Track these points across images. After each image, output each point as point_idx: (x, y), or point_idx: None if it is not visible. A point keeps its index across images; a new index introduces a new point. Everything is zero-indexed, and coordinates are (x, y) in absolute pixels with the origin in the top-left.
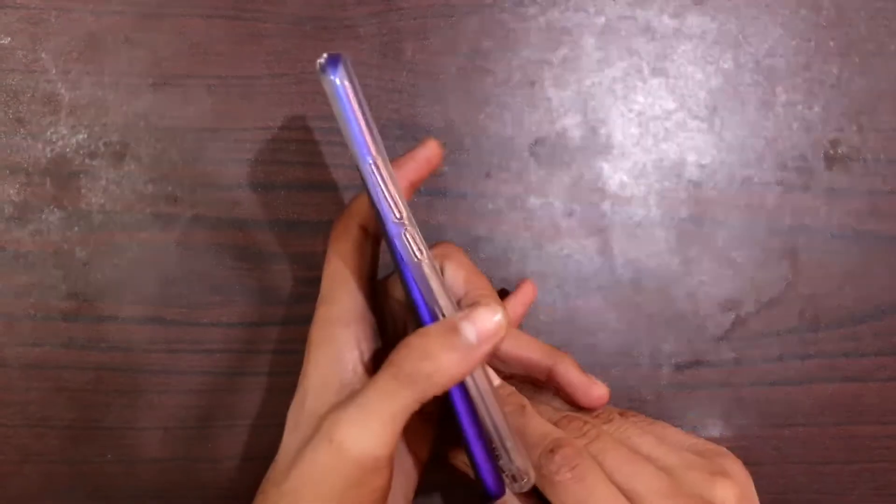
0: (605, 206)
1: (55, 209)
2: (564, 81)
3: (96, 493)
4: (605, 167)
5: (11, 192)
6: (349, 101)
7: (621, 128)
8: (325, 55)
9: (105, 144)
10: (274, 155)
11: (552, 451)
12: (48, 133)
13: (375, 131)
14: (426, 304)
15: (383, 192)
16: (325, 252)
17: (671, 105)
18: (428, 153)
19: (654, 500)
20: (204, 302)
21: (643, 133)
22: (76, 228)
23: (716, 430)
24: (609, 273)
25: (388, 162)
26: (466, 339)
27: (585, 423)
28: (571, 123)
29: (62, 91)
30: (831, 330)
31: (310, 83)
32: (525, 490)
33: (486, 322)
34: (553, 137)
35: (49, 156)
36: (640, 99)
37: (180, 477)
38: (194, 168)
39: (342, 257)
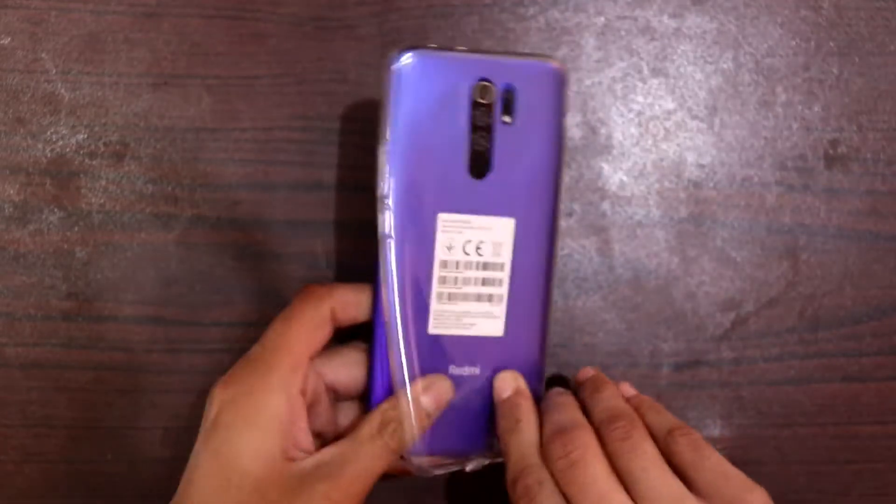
0: (605, 206)
1: (55, 209)
2: None
3: (96, 493)
4: (605, 167)
5: (11, 192)
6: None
7: (621, 128)
8: None
9: (105, 144)
10: (274, 155)
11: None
12: (48, 133)
13: None
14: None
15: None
16: (324, 252)
17: (671, 105)
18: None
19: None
20: (204, 302)
21: (643, 133)
22: (76, 228)
23: (716, 430)
24: (609, 273)
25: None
26: (428, 410)
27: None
28: (571, 123)
29: (62, 91)
30: (831, 330)
31: (310, 83)
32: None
33: (440, 392)
34: None
35: (49, 156)
36: (640, 99)
37: (181, 477)
38: (194, 168)
39: (301, 330)
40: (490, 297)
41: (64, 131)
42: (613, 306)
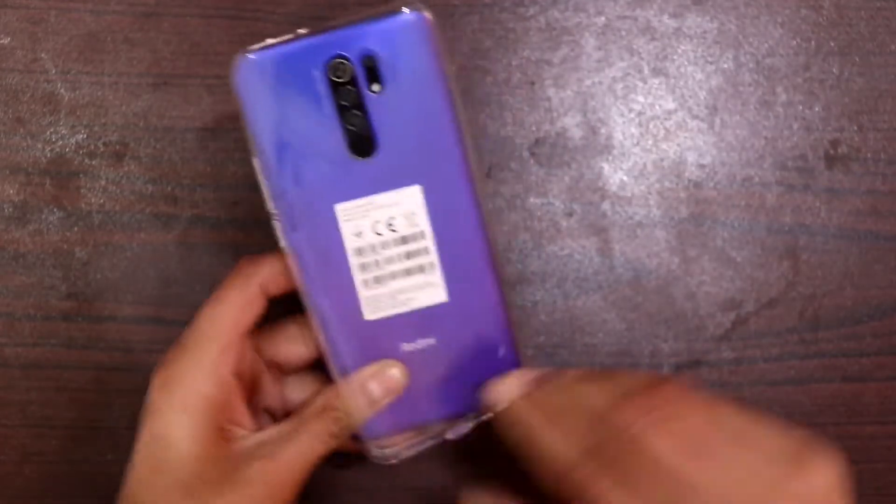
0: (605, 206)
1: (55, 209)
2: (564, 81)
3: (96, 493)
4: (605, 167)
5: (11, 192)
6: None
7: (621, 128)
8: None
9: (105, 144)
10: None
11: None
12: (48, 133)
13: None
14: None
15: None
16: None
17: (671, 105)
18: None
19: None
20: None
21: (643, 133)
22: (76, 228)
23: None
24: (609, 273)
25: None
26: (374, 397)
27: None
28: (571, 123)
29: (62, 91)
30: (831, 330)
31: None
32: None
33: (389, 379)
34: (553, 137)
35: (49, 156)
36: (640, 99)
37: None
38: (194, 168)
39: (231, 310)
40: (421, 268)
41: (63, 131)
42: (613, 306)
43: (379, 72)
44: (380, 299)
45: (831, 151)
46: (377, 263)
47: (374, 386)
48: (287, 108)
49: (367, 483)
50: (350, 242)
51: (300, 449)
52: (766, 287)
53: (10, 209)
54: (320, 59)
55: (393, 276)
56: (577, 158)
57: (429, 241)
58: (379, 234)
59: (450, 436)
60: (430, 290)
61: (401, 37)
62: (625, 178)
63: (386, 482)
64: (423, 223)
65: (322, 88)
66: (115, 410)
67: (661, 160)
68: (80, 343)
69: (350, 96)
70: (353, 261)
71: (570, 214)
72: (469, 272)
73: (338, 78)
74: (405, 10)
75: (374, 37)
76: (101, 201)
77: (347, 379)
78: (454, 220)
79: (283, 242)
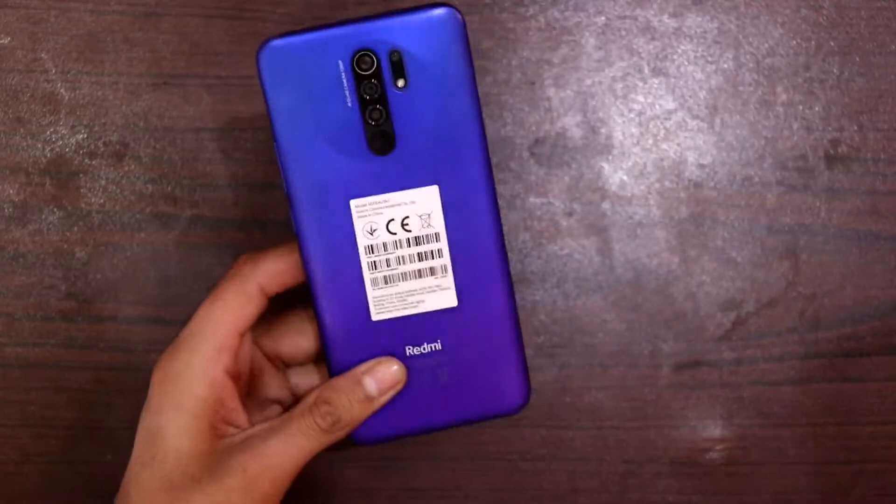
0: (605, 205)
1: (55, 209)
2: (564, 81)
3: (96, 493)
4: (605, 167)
5: (11, 192)
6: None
7: (621, 127)
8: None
9: (105, 144)
10: (274, 155)
11: None
12: (48, 133)
13: None
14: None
15: None
16: None
17: (671, 105)
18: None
19: None
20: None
21: (643, 133)
22: (76, 228)
23: (716, 430)
24: (609, 273)
25: None
26: (369, 392)
27: None
28: (571, 123)
29: (62, 91)
30: (831, 330)
31: None
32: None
33: (386, 375)
34: (553, 137)
35: (49, 156)
36: (640, 99)
37: None
38: (194, 168)
39: (230, 311)
40: (432, 270)
41: (64, 131)
42: (613, 306)
43: (405, 68)
44: (388, 300)
45: (831, 151)
46: (388, 262)
47: (369, 381)
48: (309, 96)
49: (367, 483)
50: (362, 239)
51: (284, 442)
52: (766, 287)
53: (10, 209)
54: (346, 50)
55: (403, 276)
56: (577, 158)
57: (443, 244)
58: (392, 233)
59: None
60: (441, 294)
61: (430, 33)
62: (625, 177)
63: (385, 483)
64: (439, 225)
65: (346, 80)
66: (115, 410)
67: (661, 160)
68: (80, 343)
69: (373, 90)
70: (364, 258)
71: (570, 214)
72: (483, 277)
73: (362, 70)
74: (436, 7)
75: (402, 31)
76: (101, 201)
77: (342, 374)
78: (471, 224)
79: (295, 230)
